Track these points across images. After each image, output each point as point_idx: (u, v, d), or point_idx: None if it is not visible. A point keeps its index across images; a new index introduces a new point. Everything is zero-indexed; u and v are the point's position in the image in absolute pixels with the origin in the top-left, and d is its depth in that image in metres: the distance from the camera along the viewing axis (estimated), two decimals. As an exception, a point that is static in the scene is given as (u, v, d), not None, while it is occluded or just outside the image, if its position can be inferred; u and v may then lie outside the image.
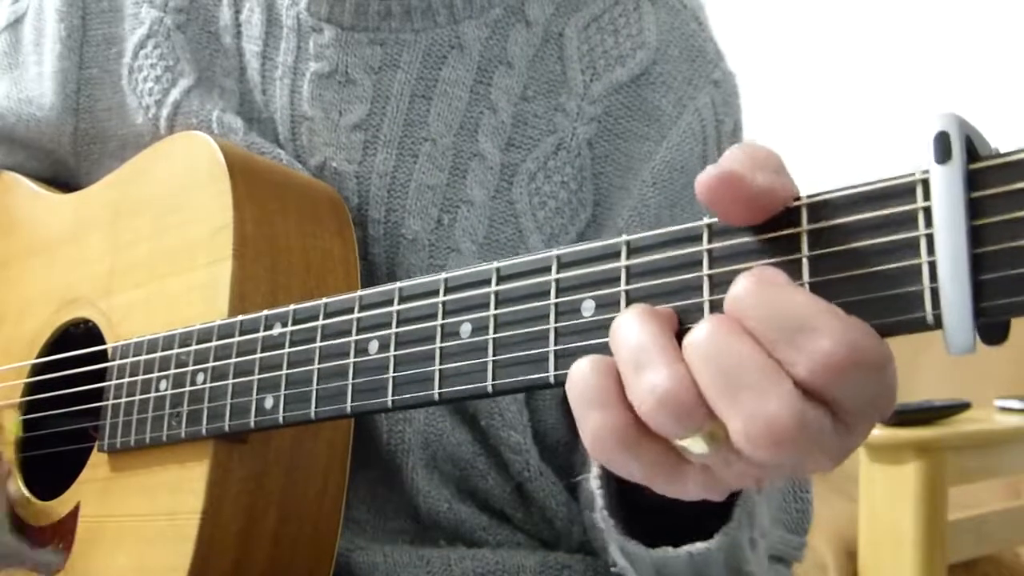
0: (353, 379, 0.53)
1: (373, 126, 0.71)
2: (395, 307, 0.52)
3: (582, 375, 0.39)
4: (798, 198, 0.39)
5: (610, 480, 0.53)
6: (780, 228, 0.39)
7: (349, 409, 0.53)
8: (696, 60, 0.73)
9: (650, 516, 0.53)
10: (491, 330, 0.47)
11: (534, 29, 0.72)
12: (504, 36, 0.71)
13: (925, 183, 0.36)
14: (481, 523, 0.72)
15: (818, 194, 0.39)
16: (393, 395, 0.51)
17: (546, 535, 0.73)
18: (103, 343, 0.70)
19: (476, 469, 0.71)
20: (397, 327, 0.51)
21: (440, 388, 0.49)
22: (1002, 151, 0.35)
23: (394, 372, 0.51)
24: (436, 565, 0.70)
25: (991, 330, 0.36)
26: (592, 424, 0.39)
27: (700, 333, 0.37)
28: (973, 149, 0.35)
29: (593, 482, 0.53)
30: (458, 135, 0.71)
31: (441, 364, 0.49)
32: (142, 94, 0.77)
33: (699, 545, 0.50)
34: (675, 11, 0.73)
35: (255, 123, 0.75)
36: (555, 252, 0.46)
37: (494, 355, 0.47)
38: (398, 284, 0.52)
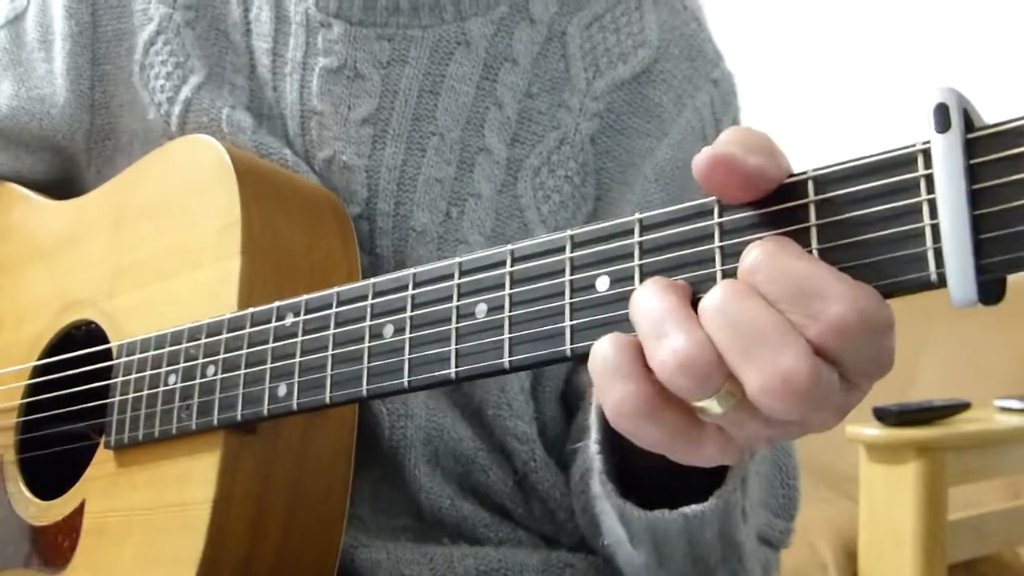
0: (368, 362, 0.54)
1: (382, 120, 0.73)
2: (409, 292, 0.53)
3: (603, 350, 0.42)
4: (802, 172, 0.42)
5: (606, 452, 0.55)
6: (789, 199, 0.42)
7: (365, 392, 0.55)
8: (696, 59, 0.76)
9: (646, 490, 0.55)
10: (507, 309, 0.49)
11: (538, 27, 0.74)
12: (509, 33, 0.74)
13: (926, 153, 0.39)
14: (483, 520, 0.73)
15: (824, 167, 0.41)
16: (409, 376, 0.52)
17: (547, 529, 0.74)
18: (106, 344, 0.71)
19: (477, 464, 0.72)
20: (412, 311, 0.53)
21: (457, 367, 0.50)
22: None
23: (410, 354, 0.52)
24: (439, 563, 0.70)
25: (989, 289, 0.38)
26: (615, 396, 0.41)
27: (716, 296, 0.40)
28: (969, 120, 0.38)
29: (593, 447, 0.55)
30: (465, 130, 0.73)
31: (457, 344, 0.51)
32: (154, 91, 0.77)
33: (694, 507, 0.53)
34: (676, 11, 0.77)
35: (265, 119, 0.76)
36: (568, 232, 0.48)
37: (510, 332, 0.49)
38: (412, 270, 0.53)
